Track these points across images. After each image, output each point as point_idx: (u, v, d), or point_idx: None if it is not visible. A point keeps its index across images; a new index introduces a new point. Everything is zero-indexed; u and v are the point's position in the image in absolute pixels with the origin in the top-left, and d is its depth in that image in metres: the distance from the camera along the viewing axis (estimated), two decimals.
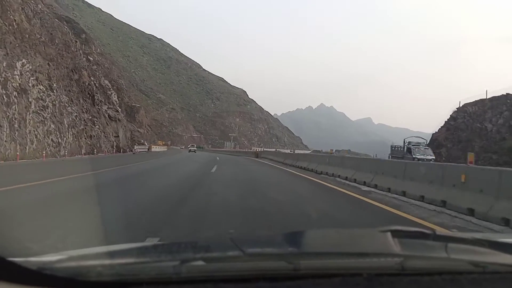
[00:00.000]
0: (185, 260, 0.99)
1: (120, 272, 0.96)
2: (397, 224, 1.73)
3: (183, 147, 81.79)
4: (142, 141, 65.61)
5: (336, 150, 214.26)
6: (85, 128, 32.61)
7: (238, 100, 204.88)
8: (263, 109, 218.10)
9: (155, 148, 54.76)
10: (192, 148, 64.46)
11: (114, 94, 49.35)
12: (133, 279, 0.93)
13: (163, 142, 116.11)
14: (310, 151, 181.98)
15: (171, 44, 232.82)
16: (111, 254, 1.16)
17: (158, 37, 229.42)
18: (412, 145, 31.10)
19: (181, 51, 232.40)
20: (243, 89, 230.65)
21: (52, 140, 26.12)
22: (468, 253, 1.18)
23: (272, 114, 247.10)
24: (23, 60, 24.01)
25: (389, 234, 1.18)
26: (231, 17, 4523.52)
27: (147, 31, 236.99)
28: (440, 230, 1.47)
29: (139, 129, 66.48)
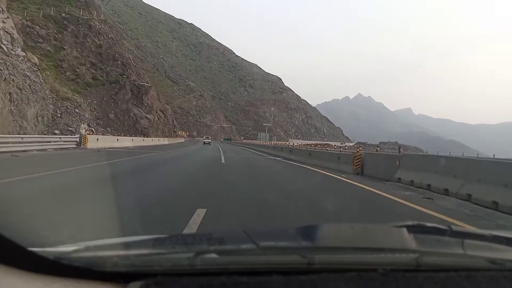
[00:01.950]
0: (200, 252, 1.00)
1: (135, 263, 0.98)
2: None
3: (205, 138, 64.89)
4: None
5: (380, 142, 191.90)
6: None
7: (273, 87, 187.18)
8: (300, 97, 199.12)
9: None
10: (206, 141, 59.19)
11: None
12: (148, 270, 0.94)
13: (186, 133, 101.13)
14: (353, 144, 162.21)
15: (202, 29, 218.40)
16: (127, 245, 1.19)
17: (189, 22, 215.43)
18: None
19: (212, 36, 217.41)
20: (279, 76, 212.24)
21: None
22: (485, 250, 1.17)
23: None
24: None
25: (404, 229, 1.17)
26: (267, 2, 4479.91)
27: (177, 15, 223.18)
28: (456, 226, 0.99)
29: (147, 115, 50.48)
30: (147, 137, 47.58)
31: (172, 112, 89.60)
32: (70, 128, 29.81)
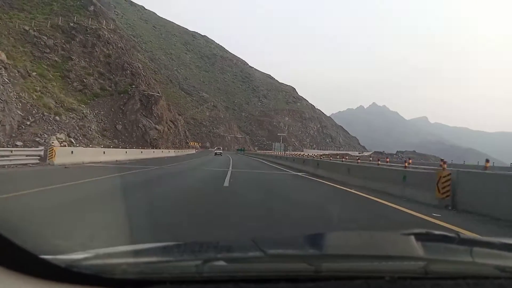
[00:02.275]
0: (208, 259, 0.99)
1: (144, 271, 0.97)
2: None
3: (216, 149, 63.15)
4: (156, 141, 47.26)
5: (397, 152, 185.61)
6: None
7: (287, 97, 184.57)
8: (315, 107, 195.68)
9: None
10: (217, 151, 58.25)
11: None
12: (157, 277, 0.93)
13: (199, 144, 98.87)
14: (370, 153, 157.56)
15: (215, 40, 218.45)
16: (136, 253, 1.19)
17: (202, 34, 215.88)
18: None
19: (226, 48, 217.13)
20: (292, 86, 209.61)
21: None
22: (494, 258, 1.15)
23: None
24: None
25: (412, 237, 1.16)
26: (278, 11, 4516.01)
27: (191, 28, 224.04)
28: (464, 234, 1.07)
29: (156, 126, 48.15)
30: (157, 148, 45.23)
31: (185, 123, 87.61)
32: (38, 139, 24.83)
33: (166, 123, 51.01)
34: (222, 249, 1.20)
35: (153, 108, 48.98)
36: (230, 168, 18.62)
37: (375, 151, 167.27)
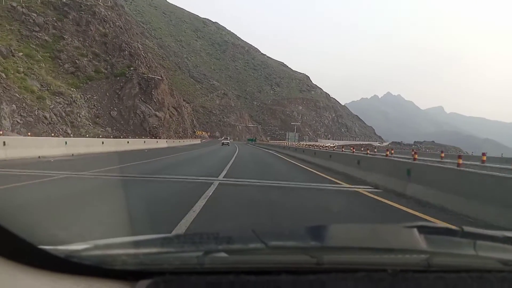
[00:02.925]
0: (208, 251, 0.99)
1: (144, 262, 0.98)
2: None
3: (223, 138, 58.49)
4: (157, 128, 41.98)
5: (415, 142, 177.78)
6: None
7: (301, 85, 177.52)
8: (329, 95, 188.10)
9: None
10: (225, 141, 54.47)
11: None
12: (157, 268, 0.94)
13: (207, 133, 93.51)
14: (387, 143, 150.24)
15: (226, 27, 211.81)
16: (136, 244, 1.18)
17: (213, 21, 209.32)
18: None
19: (237, 35, 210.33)
20: (306, 74, 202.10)
21: None
22: (497, 251, 1.15)
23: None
24: None
25: (415, 230, 1.15)
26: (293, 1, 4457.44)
27: (202, 14, 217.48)
28: (468, 228, 1.02)
29: (157, 113, 42.81)
30: (158, 138, 39.93)
31: (193, 111, 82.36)
32: None
33: (168, 109, 45.65)
34: (222, 240, 1.17)
35: (153, 92, 43.60)
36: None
37: (392, 142, 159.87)
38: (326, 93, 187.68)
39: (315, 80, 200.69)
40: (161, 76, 48.35)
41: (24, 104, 25.91)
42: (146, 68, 47.48)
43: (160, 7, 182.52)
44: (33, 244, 0.89)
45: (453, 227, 1.28)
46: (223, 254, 0.98)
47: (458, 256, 1.11)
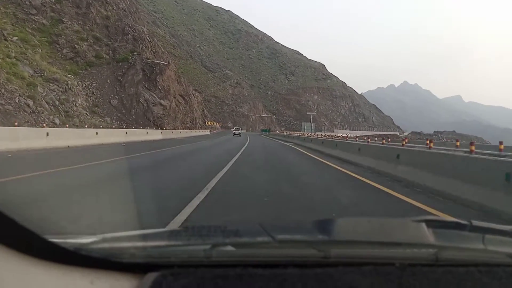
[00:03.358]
0: (216, 244, 1.00)
1: (152, 255, 0.98)
2: None
3: (235, 129, 55.64)
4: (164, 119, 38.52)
5: (435, 132, 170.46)
6: None
7: (316, 74, 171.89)
8: (346, 84, 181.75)
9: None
10: (236, 132, 53.62)
11: None
12: (165, 261, 0.94)
13: (219, 124, 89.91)
14: (406, 133, 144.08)
15: (240, 16, 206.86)
16: (144, 237, 1.19)
17: (227, 9, 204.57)
18: None
19: (251, 23, 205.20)
20: (321, 62, 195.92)
21: None
22: (506, 245, 1.14)
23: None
24: None
25: (423, 224, 1.14)
26: None
27: (215, 3, 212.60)
28: (476, 222, 1.06)
29: (162, 101, 39.29)
30: (163, 128, 36.46)
31: (204, 100, 78.75)
32: None
33: (174, 97, 42.00)
34: (229, 233, 1.18)
35: (157, 79, 39.95)
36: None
37: (412, 132, 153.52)
38: (342, 81, 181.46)
39: (330, 70, 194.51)
40: (168, 62, 44.63)
41: (3, 90, 22.54)
42: (151, 54, 43.85)
43: None
44: (42, 236, 0.89)
45: (462, 221, 1.25)
46: (230, 248, 0.99)
47: (466, 250, 1.11)
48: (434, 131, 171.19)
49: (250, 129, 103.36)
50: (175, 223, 3.98)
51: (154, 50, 45.37)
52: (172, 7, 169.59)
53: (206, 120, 65.78)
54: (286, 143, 31.76)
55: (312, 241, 1.10)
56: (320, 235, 1.17)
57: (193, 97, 53.40)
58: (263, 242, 1.04)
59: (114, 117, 34.83)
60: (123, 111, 36.39)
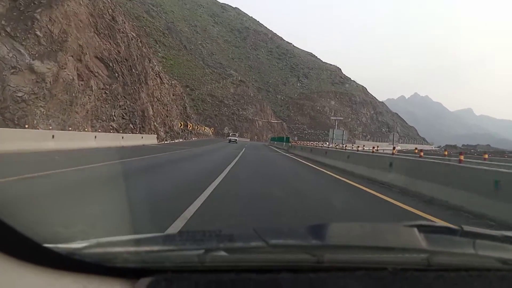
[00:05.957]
0: (209, 249, 0.98)
1: (146, 260, 0.96)
2: None
3: (231, 135, 31.63)
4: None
5: (463, 145, 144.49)
6: None
7: (333, 77, 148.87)
8: (366, 89, 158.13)
9: None
10: (232, 138, 48.64)
11: None
12: (158, 266, 0.93)
13: (212, 129, 67.33)
14: (435, 146, 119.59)
15: (248, 13, 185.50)
16: (137, 242, 1.17)
17: (233, 6, 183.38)
18: None
19: (260, 21, 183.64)
20: (337, 65, 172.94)
21: None
22: (496, 250, 1.14)
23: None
24: None
25: (415, 229, 1.14)
26: None
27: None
28: (467, 227, 1.17)
29: (36, 63, 15.52)
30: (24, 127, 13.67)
31: (197, 98, 56.09)
32: None
33: (80, 60, 18.93)
34: (224, 238, 1.15)
35: (36, 16, 17.02)
36: None
37: (446, 145, 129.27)
38: (362, 86, 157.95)
39: (347, 73, 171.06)
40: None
41: None
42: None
43: None
44: (36, 241, 0.87)
45: (453, 226, 1.25)
46: (224, 253, 0.97)
47: (457, 255, 1.10)
48: (462, 145, 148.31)
49: (256, 137, 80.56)
50: None
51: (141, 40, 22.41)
52: (173, 1, 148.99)
53: (188, 123, 42.66)
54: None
55: (305, 245, 1.08)
56: (314, 240, 1.14)
57: (156, 78, 30.05)
58: (256, 247, 1.02)
59: None
60: None
